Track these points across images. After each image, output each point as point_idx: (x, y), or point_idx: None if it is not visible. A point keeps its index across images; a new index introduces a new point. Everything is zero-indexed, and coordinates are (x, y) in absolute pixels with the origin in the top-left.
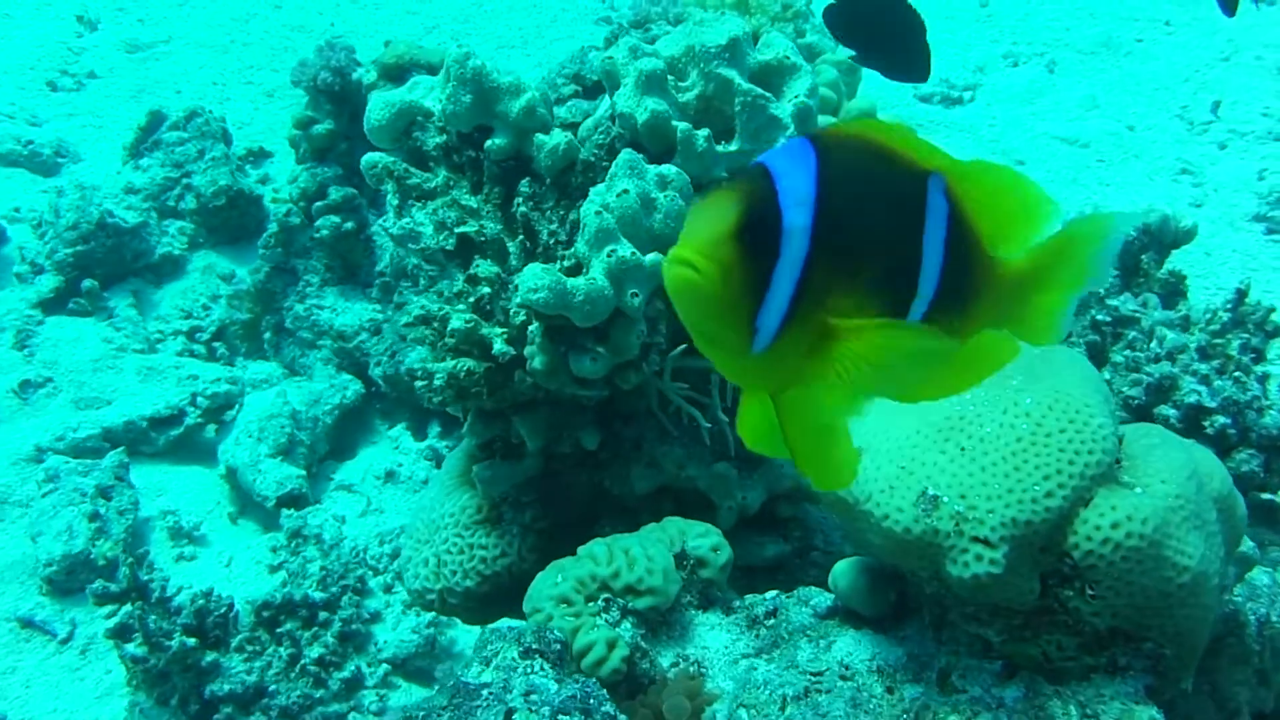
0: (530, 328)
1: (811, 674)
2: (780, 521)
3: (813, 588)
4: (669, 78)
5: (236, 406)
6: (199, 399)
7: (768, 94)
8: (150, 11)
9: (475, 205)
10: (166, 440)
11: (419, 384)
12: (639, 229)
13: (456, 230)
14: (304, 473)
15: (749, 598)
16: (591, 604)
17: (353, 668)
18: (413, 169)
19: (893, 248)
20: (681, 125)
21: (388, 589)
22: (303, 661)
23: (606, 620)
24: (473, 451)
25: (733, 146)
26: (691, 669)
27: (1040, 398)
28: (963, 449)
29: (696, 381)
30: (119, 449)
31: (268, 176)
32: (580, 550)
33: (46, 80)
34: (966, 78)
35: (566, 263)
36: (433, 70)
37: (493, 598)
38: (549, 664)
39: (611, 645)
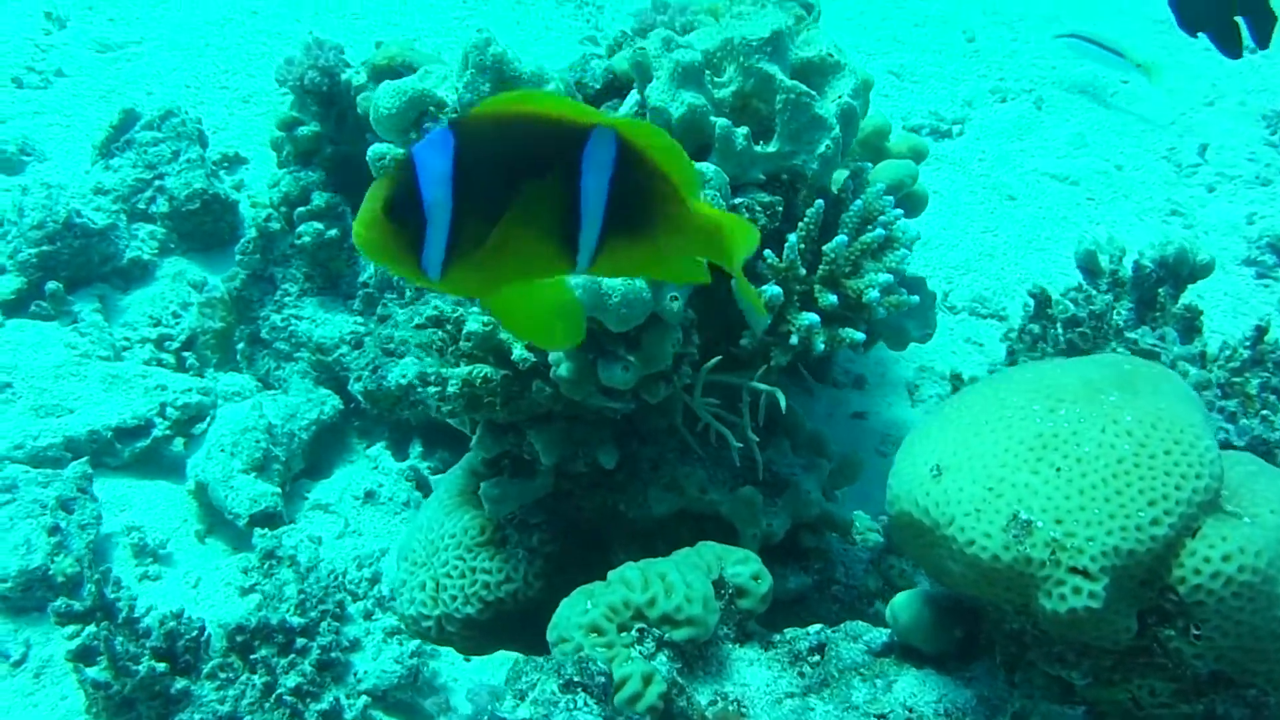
0: None
1: (874, 716)
2: (802, 552)
3: (859, 622)
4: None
5: (208, 419)
6: (168, 410)
7: (812, 92)
8: (121, 11)
9: None
10: (132, 452)
11: (430, 390)
12: None
13: None
14: (279, 491)
15: (789, 631)
16: (624, 634)
17: (331, 699)
18: None
19: (542, 196)
20: (720, 121)
21: (368, 615)
22: (278, 691)
23: (641, 652)
24: (478, 468)
25: (771, 147)
26: (731, 708)
27: (1142, 415)
28: (1058, 469)
29: (725, 398)
30: (82, 459)
31: (243, 183)
32: (611, 575)
33: (12, 77)
34: (955, 111)
35: None
36: None
37: (494, 626)
38: (593, 699)
39: (648, 680)
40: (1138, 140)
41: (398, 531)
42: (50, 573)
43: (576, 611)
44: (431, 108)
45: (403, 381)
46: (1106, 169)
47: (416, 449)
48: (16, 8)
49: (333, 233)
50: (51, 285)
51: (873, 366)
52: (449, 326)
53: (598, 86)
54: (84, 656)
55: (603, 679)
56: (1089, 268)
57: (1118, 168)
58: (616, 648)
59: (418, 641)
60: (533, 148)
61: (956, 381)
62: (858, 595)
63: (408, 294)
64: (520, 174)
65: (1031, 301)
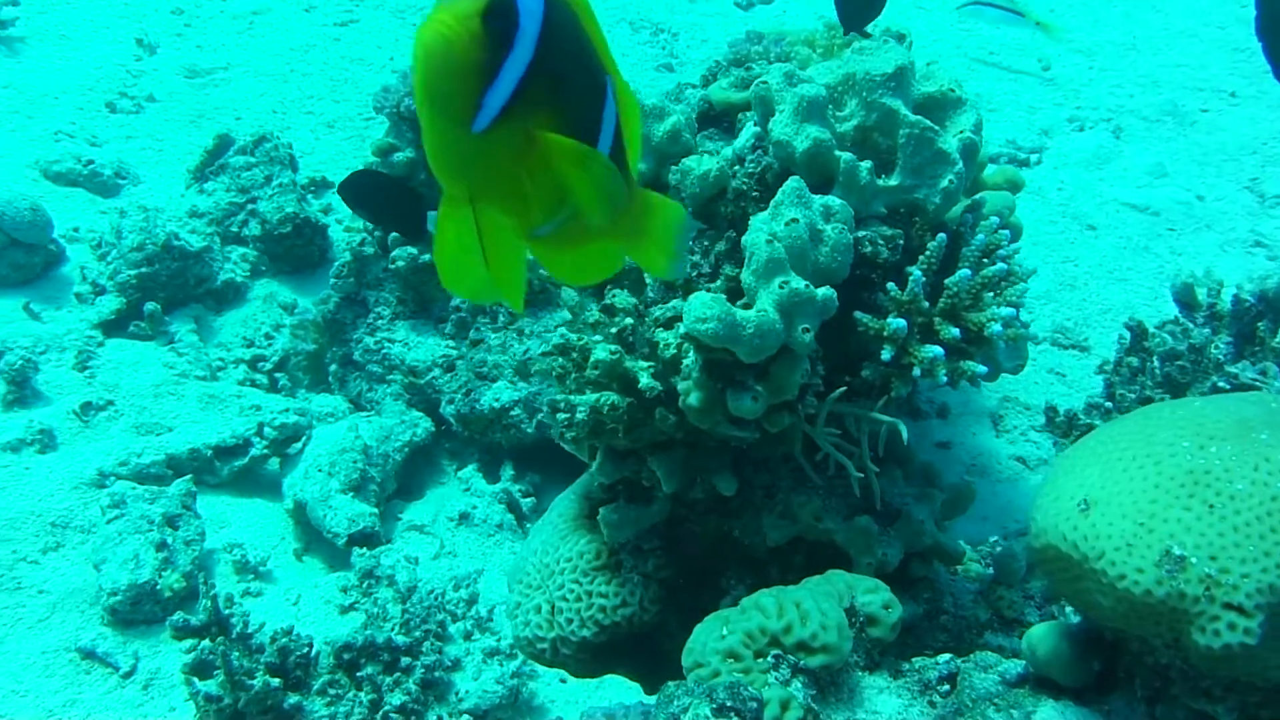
0: (685, 361)
1: None
2: (911, 581)
3: (988, 653)
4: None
5: (303, 439)
6: (266, 429)
7: (935, 126)
8: (209, 38)
9: None
10: (231, 470)
11: (560, 416)
12: (805, 261)
13: None
14: (375, 511)
15: (918, 660)
16: (761, 660)
17: (434, 717)
18: None
19: (583, 113)
20: (845, 156)
21: (467, 636)
22: (385, 709)
23: (777, 678)
24: (592, 493)
25: (893, 180)
26: None
27: None
28: (1211, 506)
29: (843, 426)
30: (186, 477)
31: (330, 207)
32: (744, 601)
33: (105, 102)
34: (1032, 140)
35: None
36: None
37: (608, 649)
38: None
39: (785, 705)
40: (1219, 170)
41: (492, 553)
42: (158, 587)
43: (713, 637)
44: None
45: (495, 405)
46: (1188, 199)
47: (508, 472)
48: (109, 35)
49: (426, 257)
50: (150, 306)
51: (956, 396)
52: (574, 354)
53: (693, 115)
54: (200, 670)
55: (755, 704)
56: (1185, 301)
57: (1199, 198)
58: (753, 673)
59: (517, 662)
60: (591, 62)
61: (1052, 414)
62: (966, 625)
63: (500, 319)
64: (582, 79)
65: (1127, 334)
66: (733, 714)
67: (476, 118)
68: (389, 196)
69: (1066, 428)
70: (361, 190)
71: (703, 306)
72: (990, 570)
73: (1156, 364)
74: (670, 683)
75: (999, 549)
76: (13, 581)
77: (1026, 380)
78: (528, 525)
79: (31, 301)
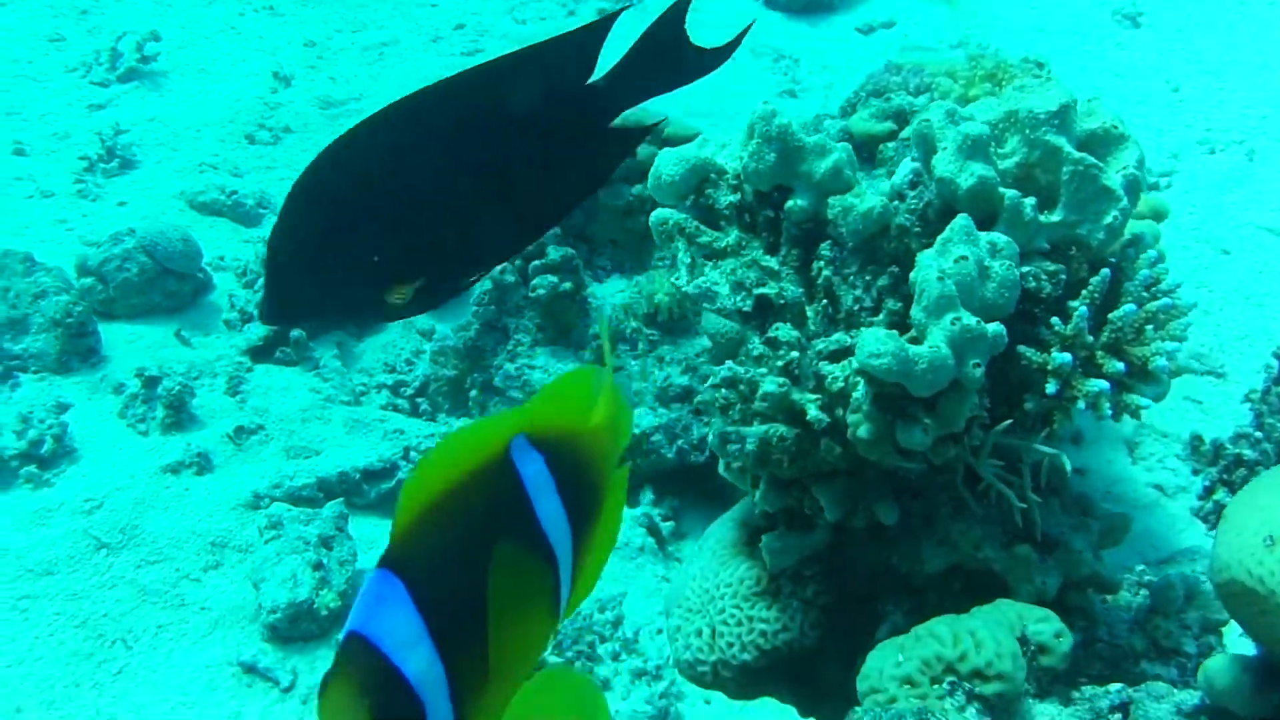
0: (854, 394)
1: None
2: (1066, 610)
3: (1159, 683)
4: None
5: None
6: (412, 453)
7: (1099, 163)
8: (340, 69)
9: (775, 267)
10: (378, 493)
11: (730, 447)
12: (972, 297)
13: (755, 291)
14: None
15: (1088, 689)
16: (936, 686)
17: None
18: (704, 227)
19: (511, 559)
20: (1009, 193)
21: (615, 656)
22: None
23: (953, 704)
24: (750, 520)
25: (1055, 216)
26: None
27: None
28: None
29: (1002, 457)
30: (338, 499)
31: None
32: (917, 629)
33: (245, 134)
34: (1162, 164)
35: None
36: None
37: (766, 673)
38: None
39: None
40: None
41: (634, 576)
42: (315, 606)
43: (889, 663)
44: (712, 174)
45: (636, 431)
46: None
47: (648, 496)
48: (246, 68)
49: (566, 285)
50: (295, 332)
51: (1090, 422)
52: (742, 387)
53: (851, 152)
54: None
55: None
56: None
57: None
58: (929, 699)
59: (665, 683)
60: (478, 518)
61: (1197, 443)
62: (1122, 654)
63: (640, 346)
64: (480, 559)
65: (1275, 362)
66: None
67: None
68: None
69: (1212, 457)
70: None
71: (876, 343)
72: (1144, 599)
73: None
74: (857, 708)
75: (1147, 578)
76: (177, 598)
77: (1161, 407)
78: (669, 549)
79: (182, 328)
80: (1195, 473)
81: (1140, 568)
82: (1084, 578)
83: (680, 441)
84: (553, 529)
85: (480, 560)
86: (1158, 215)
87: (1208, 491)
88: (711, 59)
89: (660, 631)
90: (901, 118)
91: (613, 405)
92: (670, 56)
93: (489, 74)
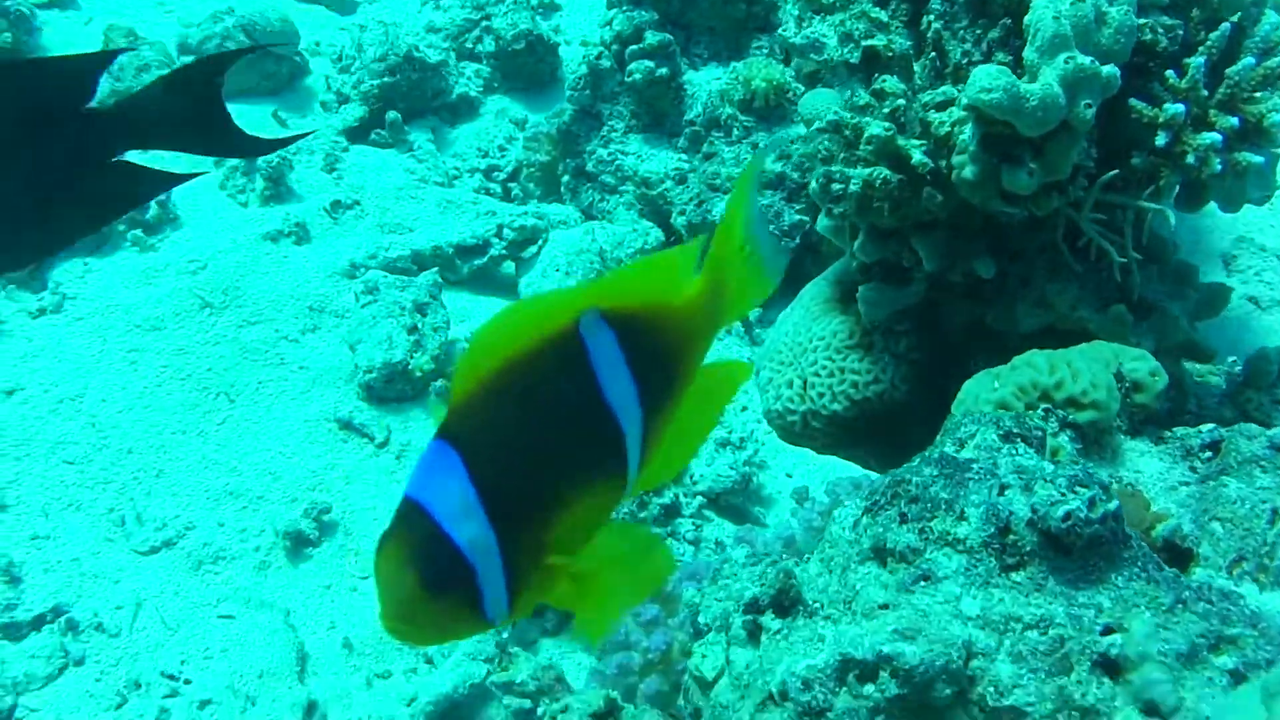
0: (961, 136)
1: None
2: None
3: (1252, 424)
4: None
5: (539, 243)
6: (505, 231)
7: None
8: None
9: (884, 19)
10: (470, 269)
11: (834, 187)
12: (1088, 41)
13: (864, 43)
14: None
15: (1179, 430)
16: (1031, 412)
17: (671, 495)
18: None
19: (576, 441)
20: None
21: None
22: None
23: (1047, 430)
24: (844, 277)
25: None
26: (1127, 490)
27: None
28: None
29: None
30: (433, 269)
31: (559, 28)
32: (1016, 359)
33: None
34: None
35: None
36: None
37: (856, 424)
38: (1031, 449)
39: (1054, 453)
40: None
41: (722, 354)
42: (409, 367)
43: (985, 389)
44: None
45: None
46: None
47: None
48: None
49: (663, 70)
50: (391, 115)
51: (1186, 235)
52: (847, 132)
53: None
54: None
55: (1039, 433)
56: None
57: None
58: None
59: (747, 452)
60: (539, 393)
61: None
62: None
63: (734, 133)
64: (538, 433)
65: None
66: (1019, 439)
67: (494, 621)
68: None
69: None
70: None
71: (989, 77)
72: (1239, 370)
73: None
74: (958, 414)
75: (1239, 366)
76: (276, 357)
77: (1262, 220)
78: (755, 333)
79: (279, 109)
80: None
81: (1231, 359)
82: (1178, 344)
83: (771, 228)
84: (621, 406)
85: (538, 434)
86: None
87: None
88: (250, 145)
89: (745, 409)
90: None
91: (714, 282)
92: (197, 114)
93: None
